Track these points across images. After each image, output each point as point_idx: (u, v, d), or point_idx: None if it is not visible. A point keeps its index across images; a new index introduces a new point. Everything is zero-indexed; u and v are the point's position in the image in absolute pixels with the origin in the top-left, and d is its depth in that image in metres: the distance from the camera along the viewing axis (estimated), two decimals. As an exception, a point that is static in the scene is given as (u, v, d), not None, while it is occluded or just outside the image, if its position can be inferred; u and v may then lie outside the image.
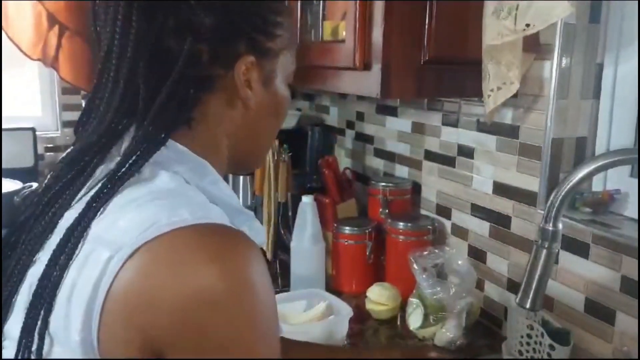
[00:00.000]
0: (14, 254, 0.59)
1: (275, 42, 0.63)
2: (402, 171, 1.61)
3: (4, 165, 2.03)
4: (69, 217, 0.55)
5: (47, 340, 0.52)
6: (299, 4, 1.42)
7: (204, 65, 0.58)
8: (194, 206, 0.53)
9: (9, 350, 0.55)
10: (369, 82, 1.17)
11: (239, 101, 0.62)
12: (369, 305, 1.31)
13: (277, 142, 1.51)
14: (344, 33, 1.28)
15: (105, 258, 0.51)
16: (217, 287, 0.49)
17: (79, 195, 0.57)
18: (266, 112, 0.65)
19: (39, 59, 2.10)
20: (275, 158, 1.46)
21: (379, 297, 1.30)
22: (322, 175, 1.61)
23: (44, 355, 0.52)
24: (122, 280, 0.50)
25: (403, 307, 1.30)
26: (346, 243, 1.44)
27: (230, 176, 1.93)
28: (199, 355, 0.49)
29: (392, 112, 1.65)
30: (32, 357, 0.52)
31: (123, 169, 0.55)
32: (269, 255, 1.49)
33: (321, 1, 1.35)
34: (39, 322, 0.52)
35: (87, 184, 0.57)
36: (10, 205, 1.79)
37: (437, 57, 1.16)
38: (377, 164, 1.73)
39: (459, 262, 1.23)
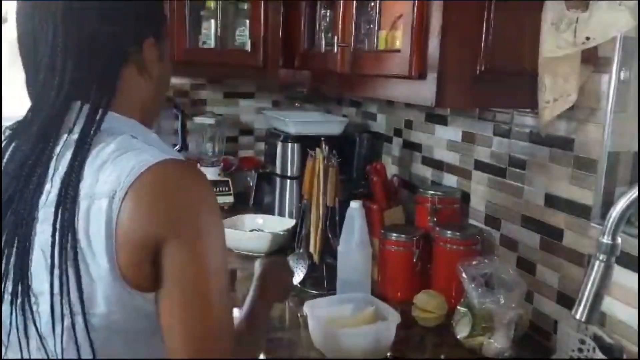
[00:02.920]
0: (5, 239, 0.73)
1: (164, 28, 0.85)
2: (450, 180, 1.62)
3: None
4: (54, 185, 0.72)
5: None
6: (354, 13, 1.45)
7: (123, 45, 0.78)
8: (149, 151, 0.73)
9: (43, 305, 0.72)
10: (424, 91, 1.19)
11: (146, 73, 0.81)
12: (415, 312, 1.32)
13: (326, 148, 1.54)
14: (398, 42, 1.30)
15: (106, 204, 0.69)
16: (192, 191, 0.73)
17: (52, 164, 0.73)
18: (162, 80, 0.85)
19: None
20: (325, 163, 1.49)
21: (426, 305, 1.31)
22: (369, 182, 1.63)
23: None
24: (125, 214, 0.69)
25: (449, 315, 1.30)
26: (393, 250, 1.46)
27: (278, 180, 1.98)
28: (186, 241, 0.71)
29: (442, 121, 1.66)
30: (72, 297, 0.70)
31: (87, 138, 0.73)
32: (316, 259, 1.52)
33: (376, 11, 1.37)
34: (70, 278, 0.70)
35: (55, 152, 0.74)
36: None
37: (493, 67, 1.16)
38: (425, 172, 1.74)
39: (509, 273, 1.23)
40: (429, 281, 1.45)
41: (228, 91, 2.46)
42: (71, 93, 0.75)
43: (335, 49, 1.48)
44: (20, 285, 0.73)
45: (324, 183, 1.49)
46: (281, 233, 1.73)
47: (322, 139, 1.52)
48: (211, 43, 2.04)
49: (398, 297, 1.45)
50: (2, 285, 0.74)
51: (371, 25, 1.44)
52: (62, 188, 0.71)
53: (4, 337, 0.76)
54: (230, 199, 2.24)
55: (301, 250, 1.56)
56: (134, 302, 0.72)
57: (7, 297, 0.74)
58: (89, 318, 0.71)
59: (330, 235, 1.51)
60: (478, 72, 1.16)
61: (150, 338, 0.75)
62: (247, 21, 1.98)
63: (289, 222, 1.83)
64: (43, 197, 0.72)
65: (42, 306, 0.72)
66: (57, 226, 0.70)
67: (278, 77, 1.94)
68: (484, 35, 1.15)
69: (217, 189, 2.24)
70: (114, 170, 0.71)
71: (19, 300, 0.73)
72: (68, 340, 0.72)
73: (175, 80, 2.32)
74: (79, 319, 0.71)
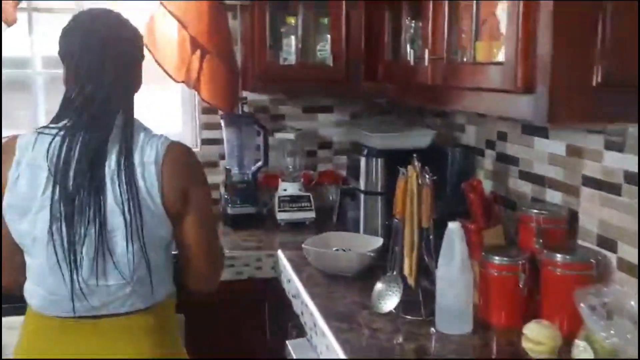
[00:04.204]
0: (77, 196, 1.16)
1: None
2: (553, 197, 1.50)
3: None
4: (110, 162, 1.19)
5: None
6: (445, 24, 1.38)
7: (137, 67, 1.31)
8: (161, 136, 1.25)
9: (118, 237, 1.18)
10: (531, 106, 1.09)
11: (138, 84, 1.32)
12: (525, 344, 1.22)
13: (418, 164, 1.46)
14: (499, 53, 1.21)
15: (154, 168, 1.19)
16: (193, 158, 1.30)
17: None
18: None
19: (182, 82, 2.23)
20: (419, 182, 1.42)
21: (538, 336, 1.21)
22: (466, 199, 1.54)
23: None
24: (165, 173, 1.20)
25: (563, 347, 1.20)
26: (496, 274, 1.36)
27: (363, 197, 1.92)
28: (199, 188, 1.28)
29: (542, 133, 1.55)
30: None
31: (129, 134, 1.21)
32: (411, 281, 1.45)
33: (473, 21, 1.29)
34: (136, 210, 1.18)
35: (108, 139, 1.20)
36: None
37: (611, 77, 1.06)
38: (523, 187, 1.63)
39: (632, 303, 1.11)
40: (536, 308, 1.34)
41: (307, 105, 2.43)
42: (118, 107, 1.22)
43: (427, 61, 1.42)
44: (101, 225, 1.15)
45: (418, 203, 1.42)
46: (370, 254, 1.67)
47: (414, 155, 1.45)
48: (292, 59, 2.02)
49: (502, 324, 1.35)
50: (84, 229, 1.15)
51: (463, 36, 1.36)
52: (121, 159, 1.17)
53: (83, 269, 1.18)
54: (312, 214, 2.20)
55: (394, 273, 1.50)
56: (170, 228, 1.24)
57: (90, 236, 1.16)
58: (146, 241, 1.19)
59: (426, 258, 1.43)
60: (594, 83, 1.05)
61: (168, 250, 1.30)
62: (328, 36, 1.94)
63: (376, 242, 1.77)
64: (107, 169, 1.17)
65: (116, 238, 1.17)
66: (123, 183, 1.16)
67: (360, 89, 1.89)
68: (599, 43, 1.05)
69: (299, 205, 2.22)
70: (151, 147, 1.20)
71: (98, 235, 1.16)
72: (139, 259, 1.19)
73: (254, 97, 2.32)
74: (143, 241, 1.19)
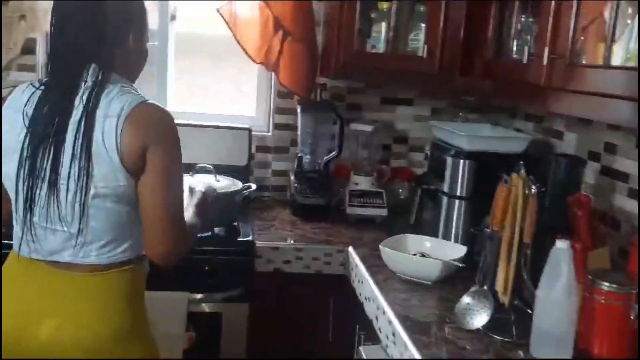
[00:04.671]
0: (43, 144, 1.20)
1: (144, 25, 1.34)
2: (670, 220, 1.36)
3: (220, 162, 2.10)
4: (78, 111, 1.20)
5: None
6: (572, 22, 1.24)
7: (121, 36, 1.27)
8: (139, 95, 1.24)
9: (68, 184, 1.19)
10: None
11: (131, 54, 1.30)
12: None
13: (524, 172, 1.34)
14: (633, 58, 1.08)
15: (115, 121, 1.18)
16: (165, 120, 1.25)
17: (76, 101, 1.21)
18: (140, 58, 1.36)
19: (261, 63, 2.15)
20: (525, 191, 1.29)
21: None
22: (570, 215, 1.41)
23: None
24: (127, 128, 1.18)
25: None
26: (603, 301, 1.23)
27: (445, 199, 1.80)
28: (161, 147, 1.21)
29: (663, 148, 1.40)
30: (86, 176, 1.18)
31: (100, 87, 1.21)
32: (504, 300, 1.33)
33: (610, 24, 1.15)
34: (86, 159, 1.18)
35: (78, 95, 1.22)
36: (233, 203, 1.84)
37: None
38: (632, 206, 1.48)
39: None
40: (647, 343, 1.21)
41: (386, 97, 2.32)
42: (87, 60, 1.22)
43: (545, 60, 1.28)
44: (55, 172, 1.18)
45: (522, 214, 1.29)
46: (455, 263, 1.56)
47: (521, 162, 1.33)
48: (380, 47, 1.91)
49: (605, 356, 1.22)
50: (42, 175, 1.19)
51: (583, 37, 1.22)
52: (84, 112, 1.18)
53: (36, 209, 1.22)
54: (384, 212, 2.10)
55: (485, 288, 1.38)
56: (128, 182, 1.20)
57: (45, 182, 1.19)
58: (98, 191, 1.19)
59: (525, 276, 1.31)
60: None
61: (129, 205, 1.23)
62: (423, 25, 1.82)
63: (459, 250, 1.65)
64: (72, 118, 1.19)
65: (65, 186, 1.19)
66: (80, 134, 1.17)
67: (454, 85, 1.77)
68: None
69: (370, 201, 2.12)
70: (119, 102, 1.19)
71: (52, 180, 1.19)
72: (88, 209, 1.20)
73: (331, 83, 2.23)
74: (94, 192, 1.19)
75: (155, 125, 1.21)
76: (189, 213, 1.41)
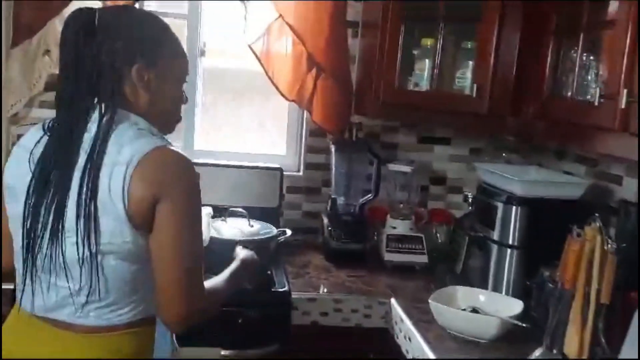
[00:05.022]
0: (48, 191, 1.09)
1: (157, 56, 1.16)
2: None
3: (250, 204, 2.00)
4: (82, 156, 1.08)
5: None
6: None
7: (120, 67, 1.11)
8: (153, 139, 1.10)
9: (72, 238, 1.07)
10: None
11: (140, 88, 1.14)
12: None
13: (599, 225, 1.21)
14: None
15: (124, 169, 1.05)
16: (179, 169, 1.10)
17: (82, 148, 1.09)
18: (160, 96, 1.17)
19: (294, 100, 2.07)
20: (604, 247, 1.17)
21: None
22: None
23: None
24: (135, 178, 1.05)
25: None
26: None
27: (495, 248, 1.68)
28: (172, 201, 1.07)
29: None
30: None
31: (106, 128, 1.09)
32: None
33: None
34: (92, 211, 1.05)
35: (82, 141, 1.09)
36: (268, 250, 1.71)
37: None
38: None
39: None
40: None
41: (423, 136, 2.22)
42: (90, 98, 1.10)
43: (624, 103, 1.17)
44: (58, 223, 1.07)
45: (599, 272, 1.17)
46: (515, 322, 1.42)
47: (596, 214, 1.21)
48: (424, 85, 1.81)
49: None
50: (44, 224, 1.08)
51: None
52: (89, 157, 1.06)
53: (39, 263, 1.10)
54: (424, 258, 1.98)
55: (554, 352, 1.25)
56: (135, 238, 1.07)
57: (47, 232, 1.08)
58: (102, 248, 1.06)
59: (603, 340, 1.18)
60: None
61: (137, 263, 1.10)
62: (470, 62, 1.73)
63: (515, 305, 1.52)
64: (78, 164, 1.07)
65: (70, 239, 1.06)
66: (85, 181, 1.05)
67: (505, 127, 1.66)
68: None
69: (409, 246, 2.00)
70: (130, 149, 1.06)
71: (55, 231, 1.07)
72: (92, 266, 1.07)
73: (365, 122, 2.13)
74: (97, 248, 1.06)
75: (168, 174, 1.07)
76: (222, 276, 1.29)
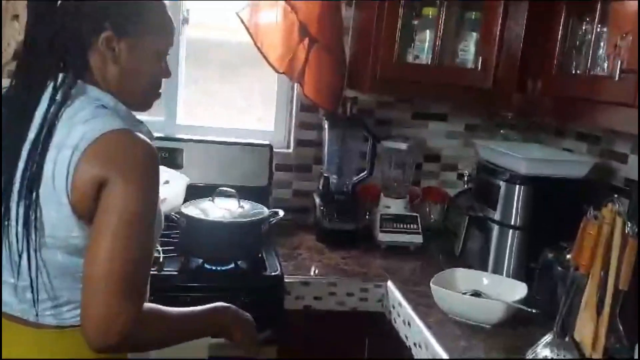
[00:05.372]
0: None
1: (131, 25, 1.01)
2: None
3: (238, 182, 1.90)
4: (31, 136, 0.95)
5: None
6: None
7: (85, 34, 0.98)
8: (111, 120, 0.96)
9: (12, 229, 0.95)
10: None
11: (109, 59, 1.00)
12: None
13: (619, 207, 1.15)
14: None
15: (69, 154, 0.92)
16: (135, 154, 0.94)
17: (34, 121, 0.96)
18: (133, 70, 1.03)
19: (284, 73, 1.96)
20: (624, 231, 1.10)
21: None
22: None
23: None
24: (82, 164, 0.92)
25: None
26: None
27: (496, 229, 1.61)
28: (120, 185, 0.92)
29: None
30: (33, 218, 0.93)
31: (59, 103, 0.95)
32: (594, 354, 1.14)
33: None
34: (33, 199, 0.93)
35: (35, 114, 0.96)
36: (259, 232, 1.62)
37: None
38: None
39: None
40: None
41: (418, 112, 2.14)
42: (49, 67, 0.97)
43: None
44: (6, 209, 0.95)
45: (618, 257, 1.11)
46: (519, 306, 1.36)
47: (615, 195, 1.15)
48: (424, 58, 1.72)
49: None
50: None
51: None
52: (36, 137, 0.93)
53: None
54: (419, 239, 1.91)
55: (567, 340, 1.19)
56: (83, 232, 0.94)
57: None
58: (46, 241, 0.95)
59: (621, 328, 1.13)
60: None
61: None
62: (474, 33, 1.64)
63: (518, 288, 1.46)
64: (25, 144, 0.95)
65: (14, 231, 0.95)
66: (29, 166, 0.93)
67: (511, 102, 1.59)
68: None
69: (404, 226, 1.93)
70: (81, 130, 0.93)
71: (2, 220, 0.96)
72: (36, 262, 0.95)
73: (361, 97, 2.03)
74: (36, 239, 0.94)
75: (118, 158, 0.93)
76: (191, 309, 1.08)
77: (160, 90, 1.11)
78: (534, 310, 1.33)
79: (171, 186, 1.69)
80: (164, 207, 1.60)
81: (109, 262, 0.90)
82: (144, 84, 1.06)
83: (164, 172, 1.72)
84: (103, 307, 0.89)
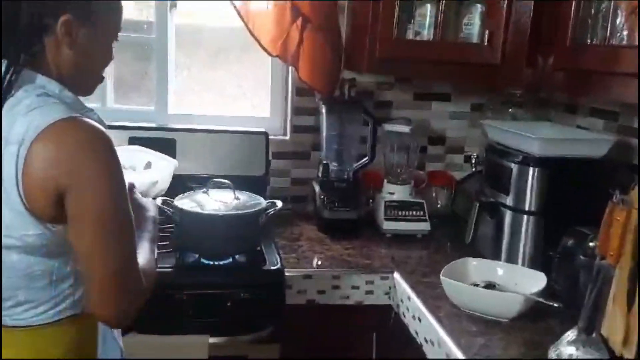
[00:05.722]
0: None
1: (88, 9, 0.96)
2: None
3: (233, 172, 1.81)
4: None
5: None
6: None
7: (42, 18, 0.92)
8: (58, 109, 0.89)
9: None
10: None
11: (64, 44, 0.95)
12: None
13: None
14: None
15: (16, 150, 0.86)
16: (90, 146, 0.89)
17: None
18: (87, 55, 0.98)
19: (277, 56, 1.85)
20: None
21: None
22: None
23: None
24: (32, 160, 0.86)
25: None
26: None
27: (509, 214, 1.52)
28: (93, 185, 0.89)
29: None
30: None
31: (5, 91, 0.90)
32: (626, 352, 1.05)
33: None
34: None
35: None
36: (256, 225, 1.53)
37: None
38: None
39: None
40: None
41: (420, 92, 2.03)
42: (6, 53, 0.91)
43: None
44: None
45: (648, 244, 1.01)
46: (540, 300, 1.27)
47: (637, 176, 1.04)
48: (425, 33, 1.61)
49: None
50: None
51: None
52: None
53: None
54: (426, 226, 1.81)
55: (593, 336, 1.10)
56: (39, 231, 0.90)
57: None
58: (7, 241, 0.90)
59: (652, 321, 1.03)
60: None
61: (48, 257, 0.93)
62: (479, 5, 1.53)
63: (537, 278, 1.36)
64: None
65: None
66: None
67: (521, 79, 1.48)
68: None
69: (409, 213, 1.83)
70: (24, 122, 0.87)
71: None
72: None
73: (359, 78, 1.92)
74: None
75: (75, 153, 0.87)
76: (147, 244, 1.09)
77: (103, 74, 1.07)
78: (555, 305, 1.23)
79: (156, 169, 1.62)
80: (153, 191, 1.54)
81: (110, 264, 0.91)
82: (97, 70, 1.03)
83: (147, 155, 1.66)
84: (120, 304, 0.93)
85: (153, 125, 1.90)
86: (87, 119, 0.90)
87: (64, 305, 0.97)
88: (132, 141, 1.75)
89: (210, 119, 1.98)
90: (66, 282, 0.96)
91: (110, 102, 1.94)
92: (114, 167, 0.91)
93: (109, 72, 1.92)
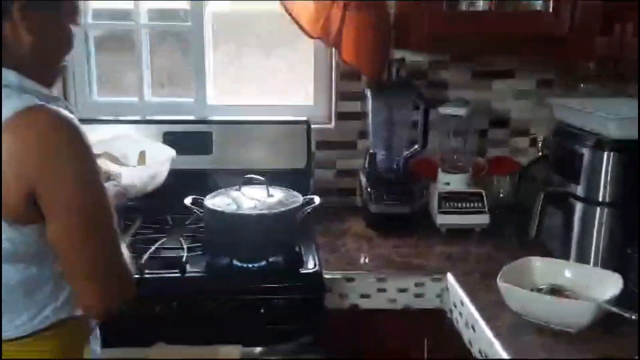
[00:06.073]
0: None
1: None
2: None
3: (272, 166, 1.71)
4: None
5: None
6: None
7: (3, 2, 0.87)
8: (17, 99, 0.84)
9: None
10: None
11: (22, 29, 0.89)
12: None
13: None
14: None
15: None
16: (50, 134, 0.83)
17: None
18: (47, 40, 0.93)
19: (319, 37, 1.71)
20: None
21: None
22: None
23: None
24: None
25: None
26: None
27: (579, 206, 1.32)
28: (67, 180, 0.85)
29: None
30: None
31: None
32: None
33: None
34: None
35: None
36: (293, 223, 1.41)
37: None
38: None
39: None
40: None
41: (479, 69, 1.83)
42: None
43: None
44: None
45: None
46: (614, 309, 1.08)
47: None
48: (481, 4, 1.43)
49: None
50: None
51: None
52: None
53: None
54: (485, 219, 1.64)
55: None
56: (9, 235, 0.86)
57: None
58: None
59: None
60: None
61: (22, 263, 0.89)
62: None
63: (612, 280, 1.16)
64: None
65: None
66: None
67: (593, 50, 1.27)
68: None
69: (467, 205, 1.66)
70: None
71: None
72: None
73: (410, 57, 1.75)
74: None
75: (40, 143, 0.83)
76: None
77: (64, 62, 1.01)
78: (633, 317, 1.04)
79: (153, 161, 1.56)
80: (152, 185, 1.48)
81: (93, 260, 0.90)
82: (57, 57, 0.98)
83: (139, 144, 1.59)
84: (102, 302, 0.91)
85: (189, 118, 1.83)
86: (50, 106, 0.85)
87: (45, 314, 0.93)
88: (166, 136, 1.68)
89: (250, 109, 1.89)
90: (45, 289, 0.92)
91: (148, 96, 1.89)
92: (84, 154, 0.86)
93: (146, 64, 1.89)
